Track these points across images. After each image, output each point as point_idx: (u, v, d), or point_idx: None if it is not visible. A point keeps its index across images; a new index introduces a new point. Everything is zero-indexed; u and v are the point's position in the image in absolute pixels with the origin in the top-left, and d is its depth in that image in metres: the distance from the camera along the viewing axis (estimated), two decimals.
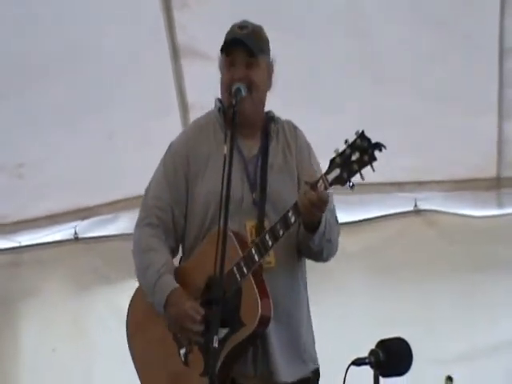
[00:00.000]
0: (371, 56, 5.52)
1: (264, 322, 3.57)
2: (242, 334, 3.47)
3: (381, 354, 3.57)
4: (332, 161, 3.42)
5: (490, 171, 6.00)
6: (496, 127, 5.77)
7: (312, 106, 5.57)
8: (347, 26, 5.44)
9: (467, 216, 6.26)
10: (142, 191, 6.10)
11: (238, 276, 3.56)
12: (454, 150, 5.83)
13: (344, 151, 3.39)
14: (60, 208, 6.43)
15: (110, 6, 5.36)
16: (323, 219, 3.60)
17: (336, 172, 3.40)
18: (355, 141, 3.37)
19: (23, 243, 6.69)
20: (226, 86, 3.78)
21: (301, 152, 3.86)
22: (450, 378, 4.83)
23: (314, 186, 3.46)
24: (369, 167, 3.36)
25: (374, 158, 3.34)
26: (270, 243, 3.54)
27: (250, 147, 3.81)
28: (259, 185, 3.73)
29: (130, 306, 3.94)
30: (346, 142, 3.40)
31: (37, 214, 6.46)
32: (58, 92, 5.62)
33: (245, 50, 3.77)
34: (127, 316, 3.93)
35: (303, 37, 5.40)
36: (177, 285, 3.70)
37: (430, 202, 6.28)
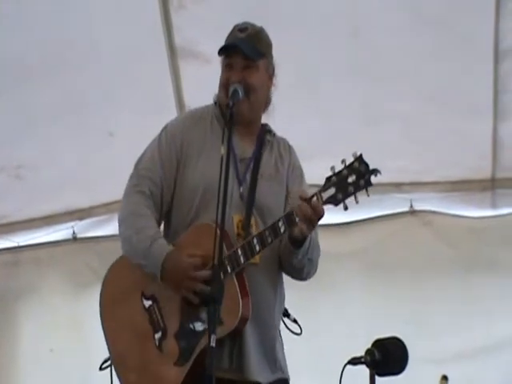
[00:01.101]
0: (369, 57, 5.49)
1: (243, 321, 3.54)
2: (220, 332, 3.36)
3: (377, 354, 3.56)
4: (328, 179, 3.40)
5: (485, 172, 5.98)
6: (491, 130, 5.75)
7: (310, 106, 5.56)
8: (346, 27, 5.40)
9: (462, 216, 6.25)
10: None
11: (221, 274, 3.45)
12: (449, 151, 5.82)
13: (341, 171, 3.36)
14: (58, 208, 6.42)
15: (110, 8, 5.33)
16: (309, 236, 3.56)
17: (331, 191, 3.38)
18: (353, 163, 3.35)
19: (21, 243, 6.67)
20: (223, 86, 3.75)
21: (294, 170, 3.84)
22: (445, 377, 4.81)
23: (308, 200, 3.43)
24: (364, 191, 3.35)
25: (369, 184, 3.33)
26: (258, 248, 3.51)
27: (244, 149, 3.78)
28: (248, 184, 3.70)
29: (104, 280, 3.85)
30: (343, 162, 3.37)
31: (35, 215, 6.44)
32: (56, 93, 5.59)
33: (242, 54, 3.73)
34: (101, 290, 3.83)
35: (301, 37, 5.37)
36: (172, 248, 3.65)
37: (426, 202, 6.27)
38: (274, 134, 3.88)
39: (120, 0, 5.34)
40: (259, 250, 3.52)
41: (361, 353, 3.58)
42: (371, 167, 3.33)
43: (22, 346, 6.57)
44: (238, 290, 3.51)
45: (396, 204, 6.28)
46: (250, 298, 3.55)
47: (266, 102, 3.85)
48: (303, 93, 5.56)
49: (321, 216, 3.44)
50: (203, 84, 5.53)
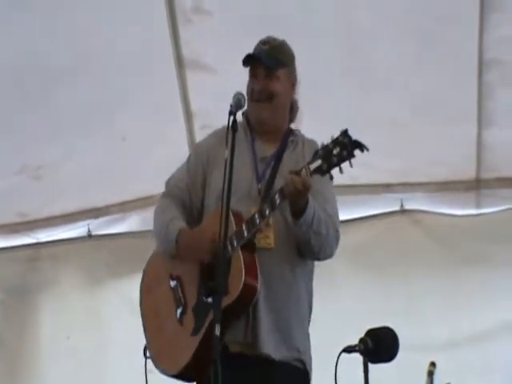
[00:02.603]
0: (361, 65, 5.50)
1: (249, 290, 3.56)
2: (226, 300, 3.43)
3: (369, 342, 3.56)
4: (316, 153, 3.47)
5: (470, 173, 5.99)
6: (475, 133, 5.75)
7: (303, 111, 5.55)
8: (339, 38, 5.43)
9: (449, 215, 6.24)
10: (149, 192, 6.22)
11: (229, 248, 3.56)
12: (437, 153, 5.82)
13: (327, 145, 3.43)
14: (75, 207, 6.43)
15: (123, 23, 5.36)
16: (310, 208, 3.60)
17: (318, 163, 3.45)
18: (338, 137, 3.41)
19: (41, 240, 6.67)
20: (248, 94, 3.81)
21: None
22: (433, 364, 4.82)
23: (298, 172, 3.51)
24: (347, 163, 3.38)
25: (352, 155, 3.37)
26: (258, 221, 3.58)
27: (265, 150, 3.85)
28: (266, 180, 3.76)
29: (143, 272, 3.97)
30: (332, 137, 3.43)
31: (53, 213, 6.46)
32: (75, 99, 5.61)
33: (263, 64, 3.81)
34: (141, 281, 3.95)
35: (299, 46, 5.37)
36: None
37: (416, 202, 6.27)
38: (301, 136, 3.93)
39: (132, 15, 5.34)
40: (259, 222, 3.58)
41: (355, 342, 3.58)
42: (356, 140, 3.37)
43: (41, 333, 6.57)
44: (243, 261, 3.56)
45: (387, 203, 6.27)
46: (264, 277, 3.59)
47: (292, 109, 3.93)
48: (300, 100, 5.57)
49: (308, 186, 3.50)
50: (209, 93, 5.62)
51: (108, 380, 6.38)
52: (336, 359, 3.56)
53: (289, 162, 3.82)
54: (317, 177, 3.53)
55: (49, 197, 6.25)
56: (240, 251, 3.59)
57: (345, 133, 3.40)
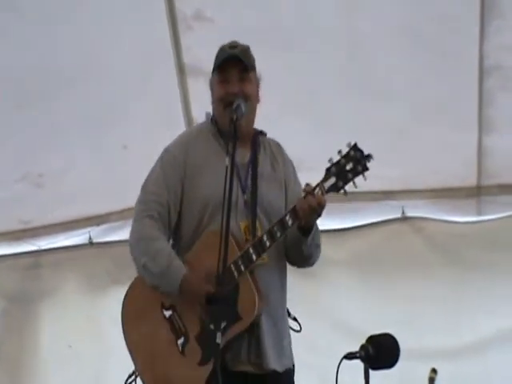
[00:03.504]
0: (361, 73, 5.49)
1: (259, 315, 3.56)
2: (240, 327, 3.43)
3: (370, 349, 3.54)
4: (328, 170, 3.44)
5: (471, 180, 5.96)
6: (476, 141, 5.73)
7: (305, 119, 5.55)
8: (341, 43, 5.41)
9: (451, 222, 6.21)
10: None
11: (235, 273, 3.51)
12: (438, 161, 5.80)
13: (339, 161, 3.40)
14: (76, 215, 6.42)
15: (124, 30, 5.35)
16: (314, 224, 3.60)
17: (332, 180, 3.42)
18: (349, 152, 3.39)
19: (42, 247, 6.66)
20: (220, 100, 3.75)
21: (287, 166, 3.87)
22: (434, 370, 4.81)
23: (311, 192, 3.47)
24: (361, 176, 3.40)
25: (366, 168, 3.38)
26: (268, 244, 3.53)
27: (243, 156, 3.77)
28: (250, 189, 3.71)
29: (126, 296, 3.83)
30: (340, 152, 3.42)
31: (55, 221, 6.44)
32: (75, 107, 5.60)
33: (238, 66, 3.75)
34: (122, 308, 3.82)
35: (300, 54, 5.38)
36: (187, 270, 3.64)
37: (417, 209, 6.24)
38: (265, 135, 3.90)
39: (132, 23, 5.34)
40: (270, 245, 3.53)
41: (356, 349, 3.56)
42: (368, 154, 3.39)
43: (43, 342, 6.56)
44: (253, 286, 3.52)
45: (388, 211, 6.25)
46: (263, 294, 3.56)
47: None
48: (296, 106, 5.56)
49: (323, 205, 3.47)
50: (209, 99, 5.59)
51: None
52: (337, 366, 3.54)
53: (265, 165, 3.79)
54: (292, 175, 3.60)
55: (50, 204, 6.24)
56: (248, 275, 3.54)
57: (355, 147, 3.38)
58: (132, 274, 6.08)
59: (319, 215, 3.51)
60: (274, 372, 3.64)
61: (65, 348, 6.42)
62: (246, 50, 3.82)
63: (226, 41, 5.29)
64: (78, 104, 5.60)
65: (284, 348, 3.71)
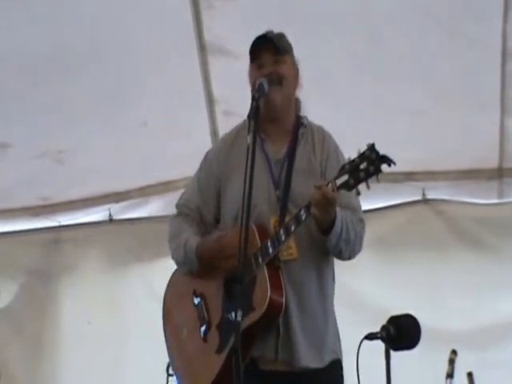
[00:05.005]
0: (383, 55, 5.44)
1: (275, 307, 3.51)
2: (252, 317, 3.42)
3: (392, 330, 3.52)
4: (342, 167, 3.38)
5: (493, 162, 5.92)
6: (498, 122, 5.69)
7: (324, 102, 5.50)
8: (358, 26, 5.36)
9: (472, 204, 6.18)
10: (170, 177, 6.20)
11: (254, 265, 3.52)
12: (459, 142, 5.76)
13: (354, 160, 3.34)
14: (96, 191, 6.42)
15: (145, 9, 5.31)
16: (338, 220, 3.52)
17: (344, 178, 3.36)
18: (365, 151, 3.31)
19: (62, 223, 6.65)
20: (254, 84, 3.67)
21: (329, 158, 3.75)
22: (454, 352, 4.79)
23: (323, 188, 3.42)
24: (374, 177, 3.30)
25: (379, 170, 3.28)
26: (283, 238, 3.51)
27: (276, 151, 3.74)
28: (283, 185, 3.67)
29: (166, 288, 3.93)
30: (358, 151, 3.34)
31: (75, 197, 6.44)
32: (96, 84, 5.58)
33: (271, 50, 3.70)
34: (164, 297, 3.91)
35: (316, 35, 5.33)
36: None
37: (438, 191, 6.21)
38: (309, 124, 3.81)
39: (154, 1, 5.29)
40: (285, 239, 3.51)
41: (377, 330, 3.54)
42: (384, 155, 3.28)
43: (62, 317, 6.57)
44: (268, 278, 3.50)
45: (409, 193, 6.21)
46: (292, 290, 3.55)
47: (296, 100, 3.82)
48: (315, 89, 5.50)
49: (333, 201, 3.42)
50: (231, 79, 5.57)
51: (128, 365, 6.38)
52: (358, 347, 3.52)
53: (301, 160, 3.73)
54: (335, 167, 3.50)
55: (70, 181, 6.24)
56: (265, 267, 3.53)
57: (372, 147, 3.30)
58: (153, 251, 6.14)
59: (328, 210, 3.43)
60: (309, 369, 3.59)
61: (84, 324, 6.43)
62: (279, 35, 3.77)
63: (247, 20, 5.30)
64: (97, 81, 5.57)
65: (325, 343, 3.65)
